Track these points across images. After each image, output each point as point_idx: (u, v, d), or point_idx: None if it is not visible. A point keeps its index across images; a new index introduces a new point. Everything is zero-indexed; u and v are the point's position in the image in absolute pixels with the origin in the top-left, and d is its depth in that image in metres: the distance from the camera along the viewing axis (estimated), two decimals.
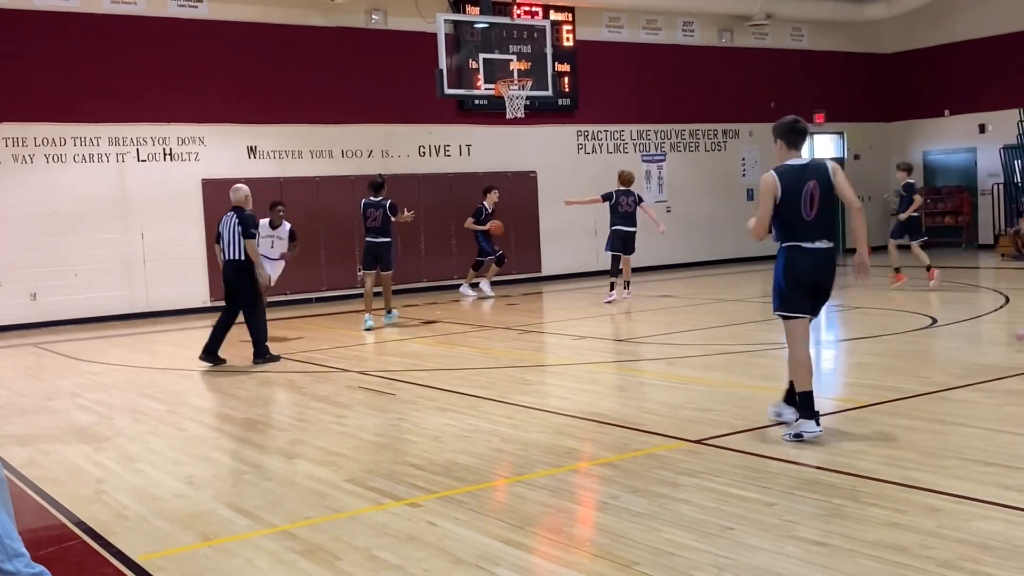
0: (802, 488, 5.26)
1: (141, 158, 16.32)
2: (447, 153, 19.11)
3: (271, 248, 12.80)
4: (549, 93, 16.30)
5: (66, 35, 15.70)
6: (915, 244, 14.96)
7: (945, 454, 5.81)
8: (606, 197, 15.37)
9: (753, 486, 5.31)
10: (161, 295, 16.39)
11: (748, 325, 11.93)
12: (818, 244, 6.21)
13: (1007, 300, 13.16)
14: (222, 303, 11.04)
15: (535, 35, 15.97)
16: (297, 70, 17.52)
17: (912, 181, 15.18)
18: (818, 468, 5.62)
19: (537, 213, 19.97)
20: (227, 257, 10.51)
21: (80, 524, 5.29)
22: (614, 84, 20.82)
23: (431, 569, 4.35)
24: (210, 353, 10.59)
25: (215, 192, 15.56)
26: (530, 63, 15.81)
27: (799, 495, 5.14)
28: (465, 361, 10.47)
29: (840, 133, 24.48)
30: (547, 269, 20.21)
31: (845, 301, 14.04)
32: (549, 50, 16.01)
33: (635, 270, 16.26)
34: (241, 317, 10.71)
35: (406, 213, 13.61)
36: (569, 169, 20.28)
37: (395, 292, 14.77)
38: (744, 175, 22.56)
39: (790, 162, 6.34)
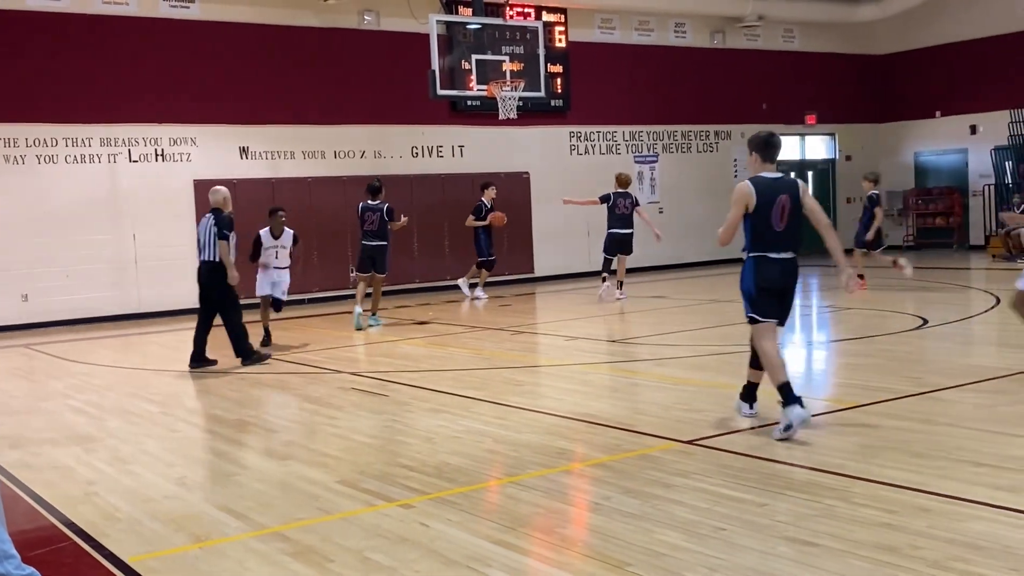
0: (793, 489, 5.28)
1: (133, 159, 16.29)
2: (440, 154, 19.11)
3: (276, 258, 12.20)
4: (542, 94, 16.33)
5: (58, 36, 15.66)
6: (859, 252, 15.23)
7: (936, 455, 5.82)
8: (604, 199, 15.45)
9: (745, 487, 5.32)
10: (153, 296, 16.35)
11: (739, 326, 11.88)
12: (783, 254, 6.53)
13: (998, 301, 13.19)
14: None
15: (527, 36, 15.99)
16: (289, 71, 17.50)
17: (877, 192, 15.27)
18: (809, 469, 5.63)
19: (530, 214, 19.97)
20: (201, 258, 10.51)
21: (71, 525, 5.28)
22: (606, 85, 20.84)
23: (423, 570, 4.35)
24: (198, 358, 10.58)
25: (207, 193, 15.45)
26: (523, 64, 15.83)
27: (790, 496, 5.15)
28: (457, 362, 10.47)
29: (832, 134, 24.55)
30: (539, 270, 20.22)
31: (836, 302, 14.09)
32: (542, 51, 16.03)
33: (628, 271, 16.28)
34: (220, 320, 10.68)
35: (402, 219, 13.58)
36: (562, 170, 20.30)
37: (387, 293, 14.76)
38: (736, 176, 22.59)
39: (764, 174, 6.61)
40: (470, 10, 16.61)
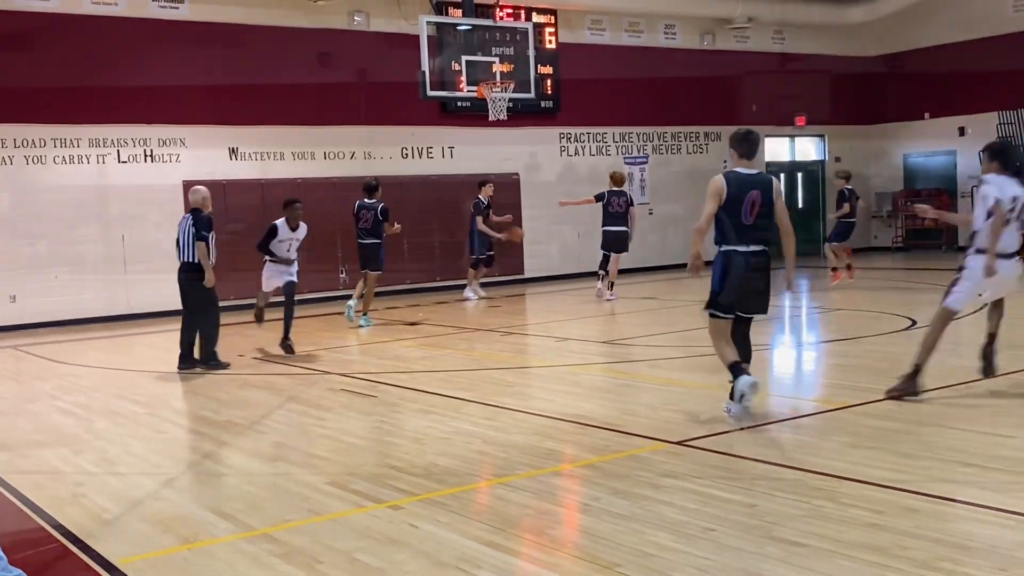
0: (782, 489, 5.29)
1: (122, 159, 16.23)
2: (430, 155, 19.09)
3: (288, 251, 11.59)
4: (531, 95, 16.34)
5: (47, 36, 15.59)
6: (832, 245, 16.06)
7: (923, 455, 5.85)
8: (599, 197, 15.71)
9: (733, 487, 5.33)
10: (141, 297, 16.29)
11: None
12: (751, 247, 6.78)
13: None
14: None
15: (517, 37, 15.99)
16: (279, 71, 17.45)
17: (850, 188, 16.01)
18: (797, 469, 5.65)
19: (520, 215, 19.96)
20: (180, 259, 10.47)
21: (59, 527, 5.26)
22: (596, 86, 20.85)
23: (412, 572, 4.35)
24: (185, 359, 10.55)
25: None
26: (513, 65, 15.83)
27: (779, 496, 5.16)
28: (447, 363, 10.46)
29: (821, 136, 24.61)
30: (530, 271, 20.22)
31: (825, 303, 14.13)
32: (531, 52, 16.03)
33: (618, 271, 16.31)
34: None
35: (395, 226, 13.63)
36: (552, 171, 20.32)
37: (378, 294, 14.73)
38: None
39: (739, 169, 6.90)
40: (460, 11, 16.59)
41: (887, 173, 24.65)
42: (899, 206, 24.07)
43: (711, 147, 22.75)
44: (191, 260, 10.32)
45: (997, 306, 7.83)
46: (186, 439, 7.60)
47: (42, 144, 15.59)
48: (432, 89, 15.14)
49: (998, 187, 7.30)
